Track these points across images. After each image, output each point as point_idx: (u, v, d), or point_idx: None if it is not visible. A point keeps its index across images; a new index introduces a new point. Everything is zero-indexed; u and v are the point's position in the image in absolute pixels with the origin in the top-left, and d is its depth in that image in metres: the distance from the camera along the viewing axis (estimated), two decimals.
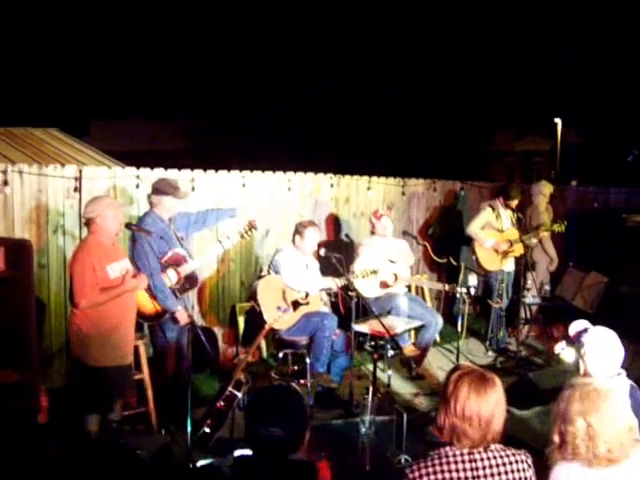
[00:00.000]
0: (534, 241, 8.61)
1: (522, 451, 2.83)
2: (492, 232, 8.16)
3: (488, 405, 2.69)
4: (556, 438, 2.92)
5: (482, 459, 2.68)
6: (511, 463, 2.72)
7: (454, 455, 2.69)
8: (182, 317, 5.60)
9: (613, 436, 2.79)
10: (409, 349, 7.38)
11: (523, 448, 3.57)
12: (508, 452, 2.75)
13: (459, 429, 2.69)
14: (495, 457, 2.71)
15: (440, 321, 7.50)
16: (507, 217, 8.22)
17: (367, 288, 7.23)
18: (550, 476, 2.93)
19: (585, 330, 3.83)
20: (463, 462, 2.67)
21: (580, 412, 2.84)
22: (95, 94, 34.24)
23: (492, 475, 2.67)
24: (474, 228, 8.19)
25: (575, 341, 3.87)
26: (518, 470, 2.72)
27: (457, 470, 2.65)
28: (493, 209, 8.20)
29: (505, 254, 8.13)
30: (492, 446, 2.73)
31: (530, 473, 2.77)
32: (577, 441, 2.83)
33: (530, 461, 2.81)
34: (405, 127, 33.01)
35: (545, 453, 3.54)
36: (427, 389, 6.96)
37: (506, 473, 2.69)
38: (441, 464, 2.67)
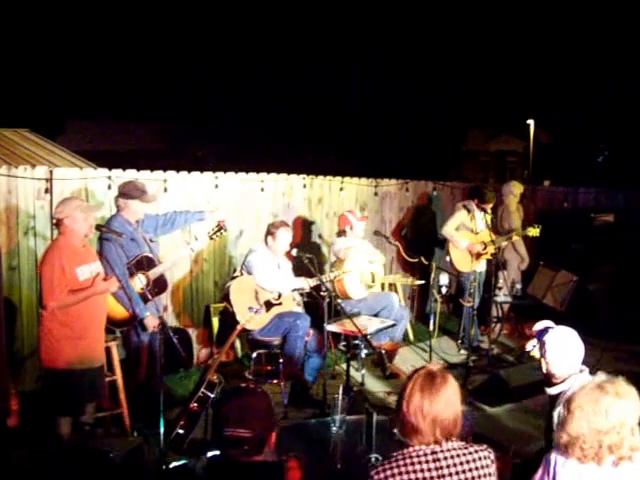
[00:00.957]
0: (504, 243, 8.67)
1: (484, 446, 2.85)
2: (466, 233, 8.22)
3: (434, 403, 2.72)
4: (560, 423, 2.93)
5: (445, 457, 2.70)
6: (474, 460, 2.74)
7: (417, 455, 2.71)
8: (150, 323, 5.60)
9: (577, 432, 2.79)
10: (388, 345, 7.41)
11: (494, 445, 3.63)
12: (471, 449, 2.77)
13: (408, 426, 2.74)
14: (459, 455, 2.72)
15: (408, 314, 7.72)
16: (481, 219, 8.27)
17: (355, 290, 7.39)
18: (545, 456, 2.96)
19: (546, 329, 3.90)
20: (427, 462, 2.69)
21: (574, 402, 2.85)
22: (71, 94, 33.98)
23: (457, 473, 2.69)
24: (449, 229, 8.24)
25: (536, 340, 3.93)
26: (482, 467, 2.75)
27: (422, 470, 2.67)
28: (468, 211, 8.24)
29: (478, 255, 8.19)
30: (454, 444, 2.75)
31: (493, 468, 2.80)
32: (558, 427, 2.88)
33: (493, 456, 2.82)
34: (380, 128, 33.11)
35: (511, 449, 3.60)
36: (399, 388, 6.99)
37: (470, 470, 2.71)
38: (405, 465, 2.69)
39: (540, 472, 2.98)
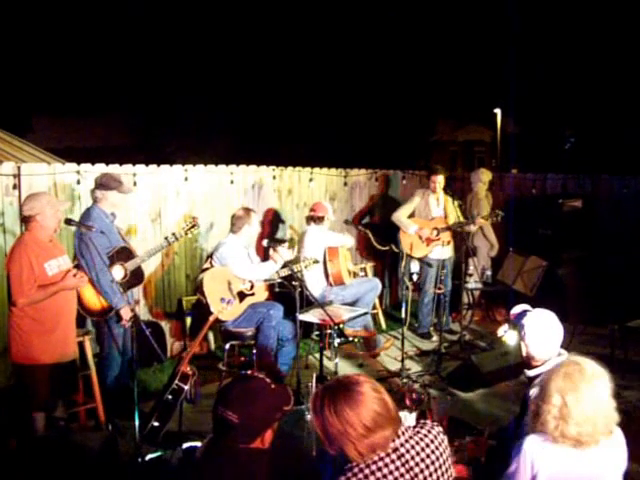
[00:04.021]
0: (473, 228, 8.69)
1: (429, 423, 2.80)
2: (417, 219, 8.33)
3: (367, 408, 2.57)
4: (533, 407, 2.97)
5: (408, 450, 2.61)
6: (432, 441, 2.69)
7: (381, 458, 2.58)
8: (126, 314, 5.60)
9: (585, 420, 2.84)
10: (362, 332, 7.47)
11: (469, 428, 3.68)
12: (424, 431, 2.72)
13: (365, 446, 2.55)
14: (417, 442, 2.66)
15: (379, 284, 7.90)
16: (436, 205, 8.36)
17: (346, 275, 7.58)
18: (518, 446, 2.98)
19: (525, 312, 3.90)
20: (393, 461, 2.58)
21: (559, 389, 2.89)
22: (37, 90, 33.49)
23: (422, 460, 2.63)
24: (398, 215, 8.34)
25: (516, 323, 3.95)
26: (440, 443, 2.72)
27: (391, 472, 2.56)
28: (422, 197, 8.35)
29: (429, 241, 8.26)
30: (408, 432, 2.68)
31: (446, 439, 2.77)
32: (549, 417, 2.87)
33: (441, 428, 2.80)
34: (348, 119, 33.14)
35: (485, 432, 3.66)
36: (375, 375, 7.04)
37: (433, 452, 2.67)
38: (373, 472, 2.55)
39: (515, 464, 2.98)
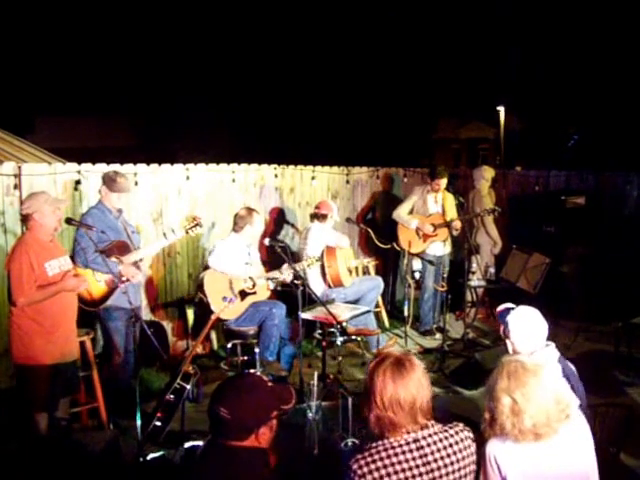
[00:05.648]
0: (455, 232, 8.58)
1: (461, 426, 2.80)
2: (417, 216, 8.31)
3: (407, 389, 2.65)
4: (486, 415, 2.95)
5: (429, 444, 2.63)
6: (457, 442, 2.69)
7: (400, 445, 2.61)
8: (129, 272, 5.58)
9: (538, 411, 2.82)
10: (365, 330, 7.45)
11: (472, 426, 3.65)
12: (451, 431, 2.73)
13: (385, 420, 2.64)
14: (441, 439, 2.67)
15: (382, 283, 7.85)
16: (434, 201, 8.33)
17: (346, 277, 7.52)
18: (482, 453, 2.96)
19: (508, 310, 3.91)
20: (411, 451, 2.60)
21: (505, 389, 2.87)
22: (39, 90, 33.51)
23: (442, 458, 2.63)
24: (399, 212, 8.34)
25: (500, 322, 3.96)
26: (465, 448, 2.71)
27: (407, 460, 2.58)
28: (420, 194, 8.34)
29: (426, 237, 8.23)
30: (434, 428, 2.69)
31: (474, 447, 2.77)
32: (503, 417, 2.85)
33: (472, 435, 2.79)
34: (350, 117, 33.14)
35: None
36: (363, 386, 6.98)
37: (454, 453, 2.66)
38: (389, 456, 2.59)
39: (483, 474, 2.96)
